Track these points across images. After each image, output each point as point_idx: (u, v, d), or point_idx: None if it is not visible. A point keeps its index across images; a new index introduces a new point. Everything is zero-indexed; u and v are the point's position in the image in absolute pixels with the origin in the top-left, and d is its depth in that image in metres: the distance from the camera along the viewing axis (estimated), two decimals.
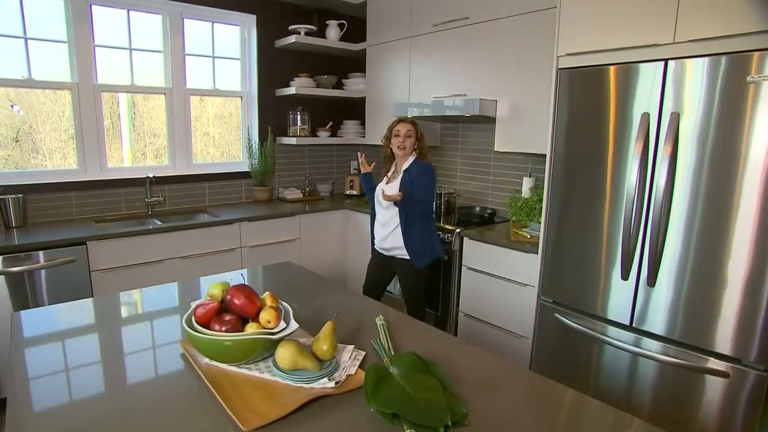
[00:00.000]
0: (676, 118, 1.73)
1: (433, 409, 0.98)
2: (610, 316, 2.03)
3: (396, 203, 2.44)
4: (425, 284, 2.64)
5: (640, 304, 1.93)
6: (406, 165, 2.56)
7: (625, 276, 1.95)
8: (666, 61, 1.75)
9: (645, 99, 1.83)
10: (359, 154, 2.80)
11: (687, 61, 1.70)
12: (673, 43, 1.75)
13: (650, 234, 1.84)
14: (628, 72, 1.87)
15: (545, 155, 2.23)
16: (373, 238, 2.75)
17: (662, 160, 1.77)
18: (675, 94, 1.74)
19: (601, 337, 2.05)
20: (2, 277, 2.36)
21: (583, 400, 1.13)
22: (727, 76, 1.62)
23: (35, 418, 1.01)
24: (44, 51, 2.91)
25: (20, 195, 2.77)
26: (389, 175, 2.66)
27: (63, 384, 1.16)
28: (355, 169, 4.24)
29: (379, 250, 2.70)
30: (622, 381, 2.02)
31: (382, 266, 2.71)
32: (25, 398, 1.08)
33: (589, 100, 2.01)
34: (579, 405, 1.13)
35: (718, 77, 1.64)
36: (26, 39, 2.83)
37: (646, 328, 1.92)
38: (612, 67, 1.92)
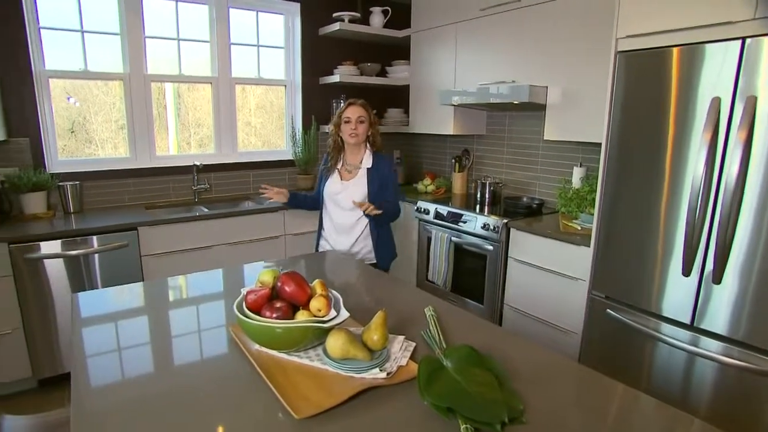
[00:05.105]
0: (752, 102, 1.60)
1: (489, 405, 0.94)
2: (667, 313, 1.92)
3: (371, 216, 2.16)
4: None
5: (702, 301, 1.81)
6: (366, 162, 2.26)
7: (686, 272, 1.83)
8: (743, 39, 1.61)
9: (713, 82, 1.70)
10: (263, 188, 2.40)
11: (766, 39, 1.56)
12: (754, 19, 1.61)
13: (717, 228, 1.71)
14: (693, 53, 1.74)
15: (598, 144, 2.13)
16: (318, 242, 2.44)
17: (734, 148, 1.63)
18: (750, 76, 1.60)
19: (656, 334, 1.94)
20: (61, 260, 2.47)
21: (642, 399, 1.07)
22: None
23: (92, 393, 1.05)
24: (99, 43, 3.01)
25: (77, 182, 2.89)
26: (340, 167, 2.31)
27: (116, 362, 1.20)
28: (397, 158, 4.16)
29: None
30: (677, 381, 1.91)
31: None
32: (84, 374, 1.12)
33: (650, 85, 1.88)
34: (637, 403, 1.07)
35: None
36: (83, 32, 2.93)
37: (706, 326, 1.81)
38: (675, 49, 1.79)
